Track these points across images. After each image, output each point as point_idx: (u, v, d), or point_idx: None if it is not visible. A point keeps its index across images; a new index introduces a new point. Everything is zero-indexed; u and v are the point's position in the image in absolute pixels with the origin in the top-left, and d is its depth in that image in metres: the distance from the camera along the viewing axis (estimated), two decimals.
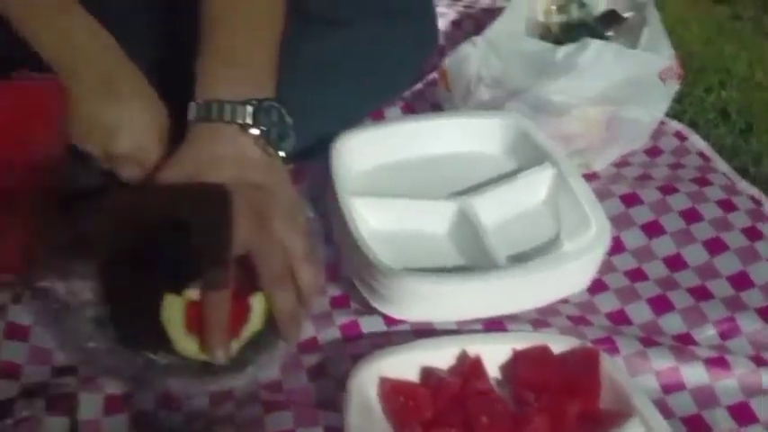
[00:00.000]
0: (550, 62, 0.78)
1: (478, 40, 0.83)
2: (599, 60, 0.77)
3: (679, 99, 1.00)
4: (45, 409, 0.48)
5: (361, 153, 0.73)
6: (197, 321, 0.49)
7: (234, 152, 0.52)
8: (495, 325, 0.62)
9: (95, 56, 0.55)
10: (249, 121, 0.51)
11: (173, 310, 0.50)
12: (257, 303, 0.53)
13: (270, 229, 0.51)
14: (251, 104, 0.52)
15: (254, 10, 0.56)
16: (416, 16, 0.77)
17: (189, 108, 0.54)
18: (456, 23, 1.12)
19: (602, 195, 0.77)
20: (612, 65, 0.78)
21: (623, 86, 0.80)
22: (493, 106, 0.80)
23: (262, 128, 0.52)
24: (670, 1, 1.49)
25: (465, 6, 1.17)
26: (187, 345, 0.50)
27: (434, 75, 0.94)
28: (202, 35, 0.54)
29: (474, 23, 1.13)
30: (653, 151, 0.87)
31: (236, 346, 0.52)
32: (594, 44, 0.77)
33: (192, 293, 0.50)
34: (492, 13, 1.17)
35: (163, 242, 0.49)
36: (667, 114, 0.92)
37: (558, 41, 0.90)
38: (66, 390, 0.51)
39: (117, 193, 0.58)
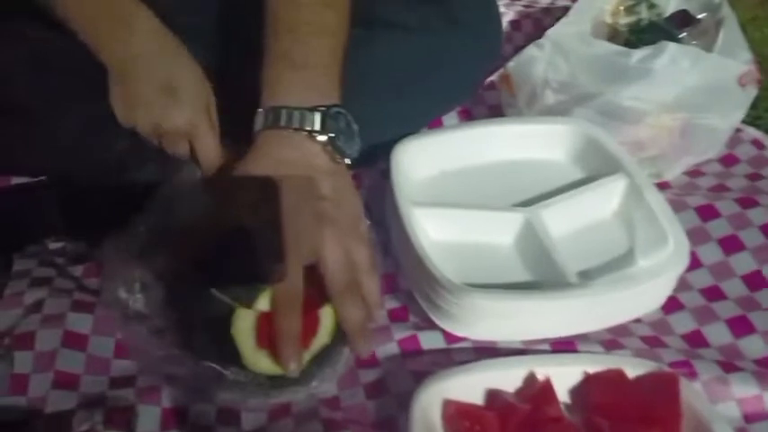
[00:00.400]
0: (623, 66, 0.74)
1: (545, 42, 0.79)
2: (675, 65, 0.73)
3: (755, 105, 0.94)
4: (103, 422, 0.48)
5: (422, 161, 0.70)
6: (268, 335, 0.48)
7: (302, 158, 0.52)
8: (563, 345, 0.58)
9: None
10: (317, 127, 0.50)
11: (244, 323, 0.49)
12: (326, 316, 0.51)
13: (336, 239, 0.50)
14: (319, 111, 0.51)
15: (319, 16, 0.54)
16: (480, 25, 0.75)
17: (257, 115, 0.53)
18: (515, 24, 1.08)
19: (675, 207, 0.73)
20: (689, 70, 0.74)
21: (699, 92, 0.75)
22: (559, 112, 0.77)
23: (330, 135, 0.50)
24: (740, 2, 1.42)
25: (525, 6, 1.13)
26: (257, 359, 0.49)
27: (492, 78, 0.91)
28: (267, 41, 0.54)
29: (534, 24, 1.09)
30: (729, 160, 0.82)
31: (306, 358, 0.50)
32: (671, 48, 0.73)
33: (263, 304, 0.49)
34: (552, 13, 1.13)
35: (231, 251, 0.48)
36: (744, 121, 0.87)
37: (628, 44, 0.86)
38: (124, 403, 0.51)
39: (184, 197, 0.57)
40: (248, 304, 0.49)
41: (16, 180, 0.72)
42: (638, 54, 0.73)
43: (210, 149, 0.59)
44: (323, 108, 0.51)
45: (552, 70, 0.77)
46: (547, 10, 1.14)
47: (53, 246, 0.68)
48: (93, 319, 0.57)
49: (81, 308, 0.58)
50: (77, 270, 0.65)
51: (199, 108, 0.58)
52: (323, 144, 0.52)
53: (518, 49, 1.00)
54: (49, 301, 0.58)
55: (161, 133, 0.59)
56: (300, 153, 0.51)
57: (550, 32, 0.84)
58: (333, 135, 0.51)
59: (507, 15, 1.08)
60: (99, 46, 0.57)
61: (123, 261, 0.52)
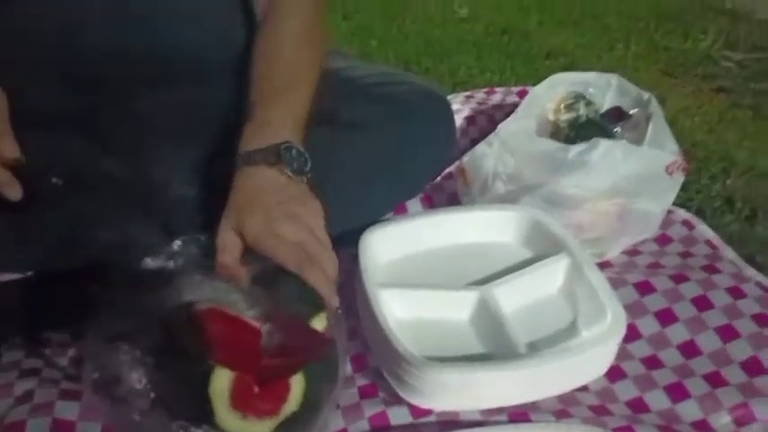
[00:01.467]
0: (562, 160, 0.84)
1: (494, 139, 0.89)
2: (608, 158, 0.83)
3: (685, 188, 1.05)
4: None
5: (387, 246, 0.78)
6: (243, 397, 0.52)
7: (270, 182, 0.64)
8: (519, 415, 0.64)
9: None
10: (273, 160, 0.64)
11: (220, 383, 0.53)
12: (296, 384, 0.56)
13: (296, 222, 0.60)
14: (274, 148, 0.65)
15: (290, 79, 0.71)
16: (436, 120, 0.84)
17: (235, 161, 0.66)
18: (470, 119, 1.20)
19: (615, 283, 0.81)
20: (621, 161, 0.84)
21: (632, 181, 0.85)
22: (509, 200, 0.86)
23: (284, 163, 0.64)
24: (672, 92, 1.57)
25: (478, 103, 1.25)
26: (230, 420, 0.52)
27: (451, 169, 1.00)
28: (247, 106, 0.69)
29: (487, 119, 1.21)
30: (663, 240, 0.91)
31: (274, 424, 0.54)
32: (604, 143, 0.83)
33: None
34: (503, 109, 1.25)
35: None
36: (675, 203, 0.97)
37: (567, 139, 0.97)
38: None
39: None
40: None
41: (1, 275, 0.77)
42: (575, 149, 0.83)
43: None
44: (275, 145, 0.65)
45: (501, 164, 0.86)
46: (498, 106, 1.26)
47: (39, 336, 0.73)
48: (80, 405, 0.61)
49: (68, 396, 0.62)
50: (64, 359, 0.69)
51: None
52: (280, 169, 0.64)
53: (474, 141, 1.11)
54: (38, 391, 0.62)
55: None
56: (267, 179, 0.64)
57: (500, 128, 0.95)
58: (286, 162, 0.64)
59: (463, 112, 1.20)
60: None
61: (104, 346, 0.56)
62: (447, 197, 0.98)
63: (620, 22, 2.03)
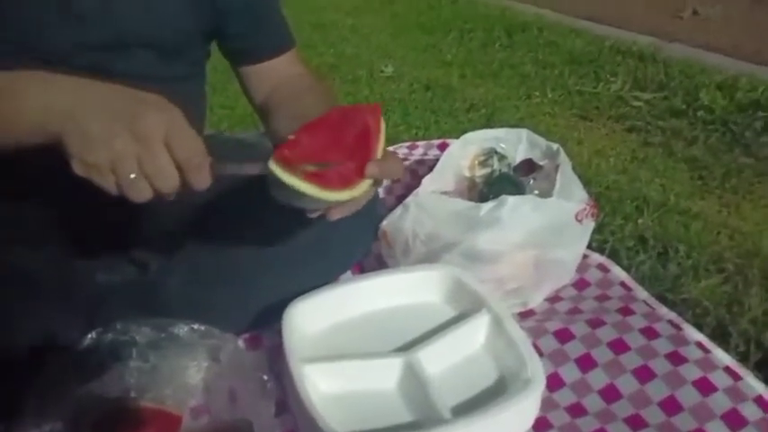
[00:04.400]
0: (475, 218, 0.87)
1: (410, 202, 0.92)
2: (518, 213, 0.87)
3: (600, 230, 1.10)
4: None
5: (312, 317, 0.78)
6: None
7: None
8: None
9: None
10: None
11: None
12: None
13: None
14: None
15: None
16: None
17: None
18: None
19: (537, 332, 0.84)
20: (531, 215, 0.88)
21: (544, 232, 0.89)
22: (429, 259, 0.88)
23: None
24: (588, 135, 1.66)
25: (401, 159, 1.29)
26: None
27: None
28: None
29: (411, 174, 1.24)
30: (580, 284, 0.95)
31: None
32: (512, 200, 0.86)
33: None
34: (426, 163, 1.29)
35: None
36: (591, 246, 1.02)
37: (482, 194, 1.00)
38: None
39: None
40: None
41: None
42: (486, 207, 0.86)
43: (194, 141, 0.55)
44: None
45: (419, 225, 0.89)
46: (421, 161, 1.30)
47: None
48: None
49: None
50: None
51: (169, 106, 0.55)
52: None
53: (399, 198, 1.14)
54: None
55: (135, 151, 0.53)
56: None
57: (419, 191, 0.98)
58: None
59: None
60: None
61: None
62: (376, 259, 1.00)
63: (537, 70, 2.14)
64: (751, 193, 1.32)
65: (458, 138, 1.12)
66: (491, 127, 1.22)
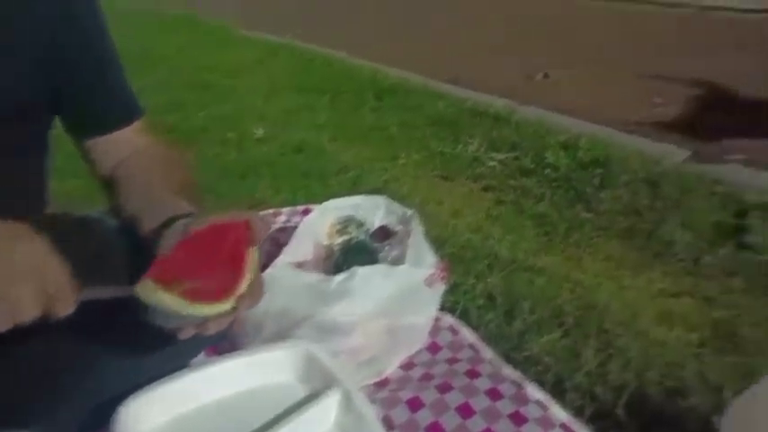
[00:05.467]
0: (326, 290, 0.88)
1: (262, 277, 0.91)
2: (368, 283, 0.89)
3: (454, 291, 1.15)
4: None
5: (149, 413, 0.74)
6: None
7: None
8: None
9: None
10: None
11: None
12: None
13: None
14: None
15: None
16: None
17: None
18: None
19: (390, 403, 0.85)
20: (381, 284, 0.90)
21: (395, 299, 0.91)
22: (283, 336, 0.87)
23: None
24: (449, 196, 1.75)
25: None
26: None
27: None
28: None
29: (271, 242, 1.24)
30: (433, 348, 0.98)
31: None
32: (362, 271, 0.89)
33: None
34: (287, 231, 1.29)
35: None
36: (444, 307, 1.06)
37: (338, 263, 1.02)
38: None
39: None
40: None
41: None
42: (336, 279, 0.88)
43: (60, 273, 0.57)
44: None
45: (270, 301, 0.88)
46: (283, 229, 1.30)
47: None
48: None
49: None
50: None
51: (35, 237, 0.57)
52: None
53: (261, 269, 1.13)
54: None
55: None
56: None
57: (279, 260, 0.97)
58: None
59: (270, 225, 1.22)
60: None
61: None
62: (229, 341, 0.97)
63: (402, 132, 2.24)
64: (591, 246, 1.44)
65: (327, 200, 1.14)
66: (358, 190, 1.26)
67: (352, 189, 1.65)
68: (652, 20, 4.57)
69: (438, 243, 1.40)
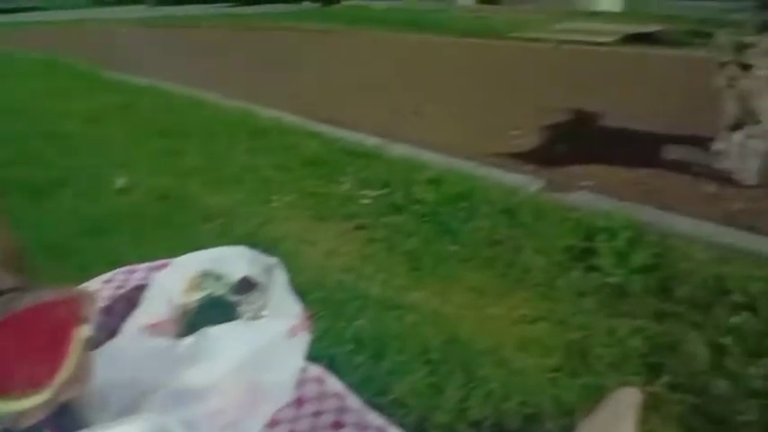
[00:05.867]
0: (177, 355, 0.83)
1: (105, 347, 0.86)
2: (223, 341, 0.85)
3: (323, 337, 1.14)
4: None
5: None
6: None
7: None
8: None
9: None
10: None
11: None
12: None
13: None
14: None
15: None
16: None
17: None
18: (108, 309, 1.14)
19: None
20: (238, 341, 0.87)
21: (255, 355, 0.88)
22: (131, 410, 0.82)
23: None
24: (322, 236, 1.75)
25: (117, 287, 1.21)
26: None
27: None
28: None
29: (126, 304, 1.16)
30: (298, 402, 0.95)
31: None
32: (214, 330, 0.85)
33: None
34: (142, 290, 1.22)
35: None
36: (311, 356, 1.04)
37: (192, 323, 0.98)
38: None
39: None
40: None
41: None
42: (186, 342, 0.83)
43: None
44: None
45: (115, 371, 0.83)
46: (139, 287, 1.22)
47: None
48: None
49: None
50: None
51: None
52: None
53: (112, 333, 1.05)
54: None
55: None
56: None
57: (127, 325, 0.91)
58: None
59: (99, 301, 1.14)
60: None
61: None
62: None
63: (276, 174, 2.22)
64: (457, 278, 1.49)
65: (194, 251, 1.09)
66: (228, 237, 1.22)
67: (222, 237, 1.61)
68: (513, 55, 4.91)
69: (310, 286, 1.39)
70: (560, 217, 1.72)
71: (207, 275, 1.10)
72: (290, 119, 2.93)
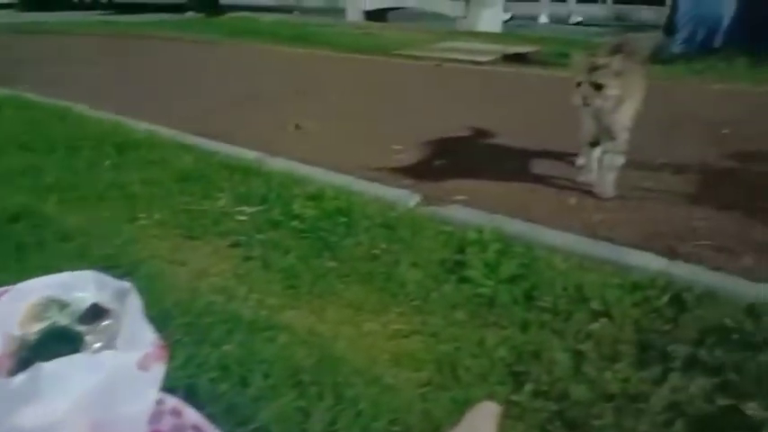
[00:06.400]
0: (9, 393, 0.75)
1: None
2: (61, 378, 0.77)
3: (185, 365, 1.07)
4: None
5: None
6: None
7: None
8: None
9: None
10: None
11: None
12: None
13: None
14: None
15: None
16: None
17: None
18: None
19: None
20: (81, 375, 0.79)
21: (101, 391, 0.80)
22: None
23: None
24: (193, 255, 1.66)
25: None
26: None
27: None
28: None
29: None
30: None
31: None
32: (49, 366, 0.77)
33: None
34: None
35: None
36: (170, 386, 0.98)
37: (28, 356, 0.89)
38: None
39: None
40: None
41: None
42: (18, 380, 0.75)
43: None
44: None
45: None
46: None
47: None
48: None
49: None
50: None
51: None
52: None
53: None
54: None
55: None
56: None
57: None
58: None
59: None
60: None
61: None
62: None
63: (145, 190, 2.09)
64: (334, 294, 1.47)
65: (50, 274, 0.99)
66: (86, 259, 1.13)
67: (79, 259, 1.49)
68: (398, 71, 5.01)
69: (177, 311, 1.31)
70: (435, 230, 1.75)
71: (50, 303, 1.00)
72: (164, 132, 2.79)
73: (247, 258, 1.65)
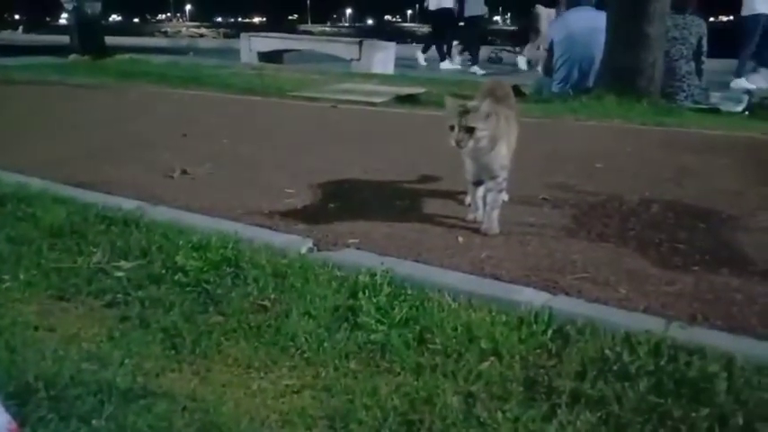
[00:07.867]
0: None
1: None
2: None
3: None
4: None
5: None
6: None
7: None
8: None
9: None
10: None
11: None
12: None
13: None
14: None
15: None
16: None
17: None
18: None
19: None
20: None
21: None
22: None
23: None
24: (63, 319, 1.53)
25: None
26: None
27: None
28: None
29: None
30: None
31: None
32: None
33: None
34: None
35: None
36: None
37: None
38: None
39: None
40: None
41: None
42: None
43: None
44: None
45: None
46: None
47: None
48: None
49: None
50: None
51: None
52: None
53: None
54: None
55: None
56: None
57: None
58: None
59: None
60: None
61: None
62: None
63: (11, 248, 1.91)
64: (220, 353, 1.39)
65: None
66: None
67: None
68: (293, 113, 4.99)
69: (41, 383, 1.19)
70: (328, 276, 1.72)
71: None
72: (36, 183, 2.59)
73: (124, 319, 1.53)
